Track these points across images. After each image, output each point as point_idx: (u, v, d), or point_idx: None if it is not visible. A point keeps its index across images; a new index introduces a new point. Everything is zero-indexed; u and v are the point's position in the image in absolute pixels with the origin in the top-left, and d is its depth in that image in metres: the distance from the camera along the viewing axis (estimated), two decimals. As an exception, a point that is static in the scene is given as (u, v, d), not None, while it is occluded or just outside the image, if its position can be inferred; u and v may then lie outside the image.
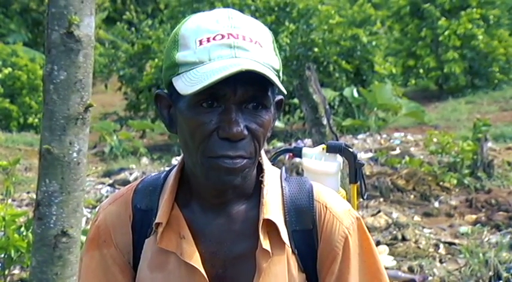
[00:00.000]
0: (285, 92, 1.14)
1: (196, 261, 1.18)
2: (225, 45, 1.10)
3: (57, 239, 1.00)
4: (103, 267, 1.25)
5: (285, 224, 1.21)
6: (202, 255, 1.19)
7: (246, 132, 1.11)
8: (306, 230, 1.22)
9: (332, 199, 1.26)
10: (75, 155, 0.99)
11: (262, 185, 1.21)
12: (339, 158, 1.56)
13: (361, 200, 1.63)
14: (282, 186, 1.24)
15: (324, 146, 1.57)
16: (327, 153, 1.55)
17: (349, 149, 1.57)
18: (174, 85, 1.12)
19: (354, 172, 1.60)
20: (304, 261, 1.22)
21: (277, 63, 1.15)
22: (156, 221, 1.20)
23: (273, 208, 1.20)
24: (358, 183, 1.62)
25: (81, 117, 0.98)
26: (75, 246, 1.02)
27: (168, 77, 1.14)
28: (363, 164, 1.61)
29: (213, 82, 1.05)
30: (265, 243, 1.17)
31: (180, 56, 1.12)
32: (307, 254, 1.22)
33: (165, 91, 1.19)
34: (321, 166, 1.51)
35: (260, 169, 1.23)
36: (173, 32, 1.17)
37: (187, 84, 1.08)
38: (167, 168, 1.32)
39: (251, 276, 1.19)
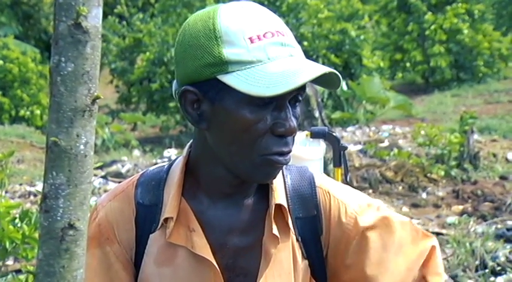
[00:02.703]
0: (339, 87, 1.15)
1: (207, 253, 1.18)
2: (278, 43, 1.09)
3: (64, 231, 1.00)
4: (106, 265, 1.22)
5: (288, 211, 1.21)
6: (211, 247, 1.18)
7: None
8: (309, 217, 1.23)
9: (334, 185, 1.27)
10: (82, 147, 0.98)
11: None
12: (322, 144, 1.59)
13: (346, 182, 1.65)
14: (283, 175, 1.25)
15: (307, 132, 1.59)
16: (311, 139, 1.57)
17: (333, 134, 1.60)
18: (228, 83, 1.08)
19: (338, 156, 1.64)
20: (307, 248, 1.23)
21: None
22: (166, 215, 1.18)
23: (280, 194, 1.21)
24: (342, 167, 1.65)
25: (88, 109, 0.97)
26: (82, 239, 1.03)
27: (211, 74, 1.09)
28: (346, 148, 1.64)
29: (303, 83, 1.05)
30: (274, 228, 1.18)
31: (230, 53, 1.08)
32: (310, 241, 1.23)
33: (192, 87, 1.13)
34: (306, 152, 1.53)
35: None
36: (205, 27, 1.11)
37: (255, 84, 1.06)
38: (159, 160, 1.34)
39: (259, 264, 1.20)
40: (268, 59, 1.08)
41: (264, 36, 1.09)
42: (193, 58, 1.11)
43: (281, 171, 1.24)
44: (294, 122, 1.11)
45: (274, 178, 1.17)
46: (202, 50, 1.10)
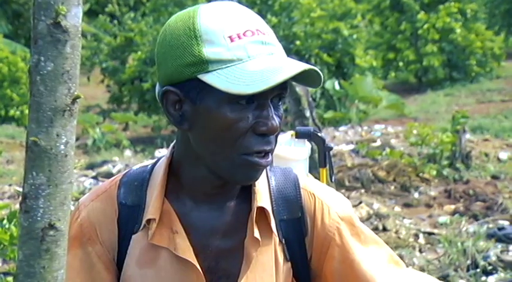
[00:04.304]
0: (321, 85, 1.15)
1: (190, 255, 1.17)
2: (258, 41, 1.09)
3: (44, 232, 0.99)
4: (87, 265, 1.21)
5: (273, 214, 1.21)
6: (194, 249, 1.18)
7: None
8: (294, 219, 1.23)
9: (318, 187, 1.27)
10: (62, 147, 0.97)
11: None
12: (307, 144, 1.57)
13: (331, 182, 1.65)
14: (268, 176, 1.24)
15: (292, 132, 1.58)
16: (296, 139, 1.56)
17: (318, 134, 1.58)
18: (208, 82, 1.08)
19: (323, 156, 1.62)
20: (290, 250, 1.23)
21: None
22: (148, 217, 1.18)
23: (263, 197, 1.21)
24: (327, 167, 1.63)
25: (68, 108, 0.96)
26: (62, 240, 1.02)
27: (191, 73, 1.09)
28: (332, 148, 1.63)
29: (282, 81, 1.05)
30: (256, 231, 1.18)
31: (210, 52, 1.08)
32: (294, 243, 1.23)
33: (173, 87, 1.12)
34: (291, 152, 1.52)
35: None
36: (186, 27, 1.11)
37: (235, 82, 1.06)
38: (150, 161, 1.29)
39: (241, 266, 1.20)
40: (248, 57, 1.08)
41: (244, 34, 1.09)
42: (174, 58, 1.11)
43: (265, 172, 1.24)
44: (276, 121, 1.11)
45: (256, 180, 1.17)
46: (183, 50, 1.10)
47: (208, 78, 1.08)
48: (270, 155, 1.14)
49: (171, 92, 1.13)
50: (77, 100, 0.97)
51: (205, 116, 1.11)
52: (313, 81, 1.13)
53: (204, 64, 1.08)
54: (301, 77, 1.10)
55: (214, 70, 1.08)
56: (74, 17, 0.95)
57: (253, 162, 1.12)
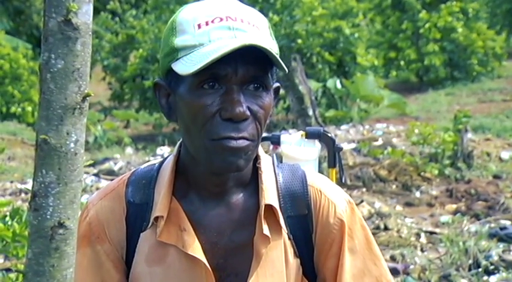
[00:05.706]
0: (286, 70, 1.12)
1: (199, 252, 1.17)
2: (224, 27, 1.09)
3: (53, 230, 0.98)
4: (96, 264, 1.22)
5: (280, 210, 1.21)
6: (202, 246, 1.18)
7: (248, 113, 1.10)
8: (301, 215, 1.23)
9: (325, 184, 1.27)
10: (72, 145, 0.97)
11: (259, 171, 1.21)
12: (317, 144, 1.57)
13: (341, 183, 1.64)
14: (275, 173, 1.24)
15: (302, 132, 1.58)
16: (306, 140, 1.56)
17: (328, 134, 1.59)
18: (174, 69, 1.10)
19: (333, 157, 1.62)
20: (299, 247, 1.23)
21: (275, 46, 1.13)
22: (156, 214, 1.18)
23: (271, 194, 1.20)
24: (337, 167, 1.64)
25: (78, 106, 0.96)
26: (72, 238, 1.01)
27: (167, 63, 1.12)
28: (342, 149, 1.62)
29: (214, 59, 1.04)
30: (265, 228, 1.17)
31: (179, 41, 1.11)
32: (301, 239, 1.23)
33: (162, 80, 1.17)
34: (301, 152, 1.52)
35: (255, 156, 1.21)
36: (170, 21, 1.16)
37: (187, 65, 1.07)
38: (152, 158, 1.33)
39: (251, 263, 1.19)
40: (209, 41, 1.08)
41: (212, 21, 1.10)
42: (161, 52, 1.17)
43: (273, 169, 1.24)
44: (242, 107, 1.09)
45: (239, 168, 1.13)
46: (164, 43, 1.15)
47: (174, 65, 1.11)
48: (244, 140, 1.10)
49: (160, 85, 1.17)
50: (87, 98, 0.97)
51: (180, 104, 1.13)
52: (277, 65, 1.11)
53: (175, 52, 1.11)
54: (267, 61, 1.09)
55: (181, 57, 1.10)
56: (85, 15, 0.95)
57: (224, 145, 1.09)
